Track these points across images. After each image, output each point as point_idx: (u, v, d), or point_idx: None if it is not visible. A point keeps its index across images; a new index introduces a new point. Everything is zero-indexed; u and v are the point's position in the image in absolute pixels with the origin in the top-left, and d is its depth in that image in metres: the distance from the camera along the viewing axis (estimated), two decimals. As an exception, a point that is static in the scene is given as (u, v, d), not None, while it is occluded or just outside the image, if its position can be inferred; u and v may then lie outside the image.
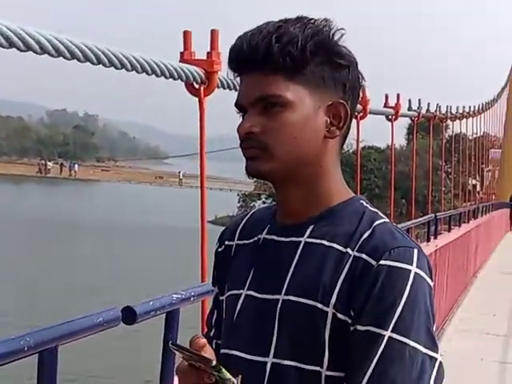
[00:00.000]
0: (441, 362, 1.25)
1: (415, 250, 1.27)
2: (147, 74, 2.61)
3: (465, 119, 19.61)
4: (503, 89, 43.44)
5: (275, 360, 1.29)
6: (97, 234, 40.10)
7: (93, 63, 2.59)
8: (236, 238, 1.43)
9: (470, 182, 33.75)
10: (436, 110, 12.88)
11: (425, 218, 8.97)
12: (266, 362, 1.29)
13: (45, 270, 25.61)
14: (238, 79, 1.33)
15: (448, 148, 22.66)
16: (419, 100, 10.82)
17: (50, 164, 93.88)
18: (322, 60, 1.29)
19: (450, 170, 32.76)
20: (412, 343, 1.22)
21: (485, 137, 38.74)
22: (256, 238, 1.38)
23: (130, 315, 1.82)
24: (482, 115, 30.57)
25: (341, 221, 1.31)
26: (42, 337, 1.53)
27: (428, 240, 8.68)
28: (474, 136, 32.31)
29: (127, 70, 2.56)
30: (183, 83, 2.87)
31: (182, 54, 2.93)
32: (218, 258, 1.46)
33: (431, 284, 1.27)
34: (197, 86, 2.94)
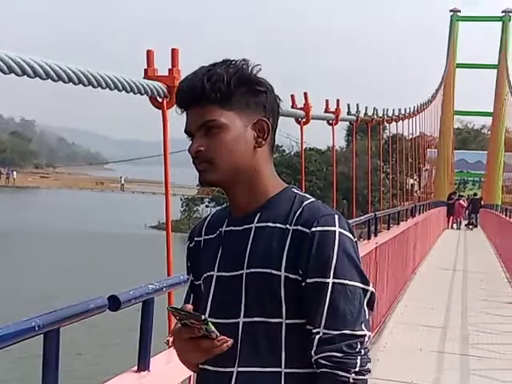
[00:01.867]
0: (372, 292, 1.68)
1: (336, 216, 1.69)
2: (111, 89, 2.90)
3: (401, 121, 20.22)
4: (437, 90, 44.57)
5: (245, 319, 1.68)
6: (34, 241, 39.60)
7: (54, 80, 2.84)
8: (203, 234, 1.83)
9: (408, 181, 34.59)
10: (373, 114, 13.46)
11: (365, 216, 9.31)
12: (239, 322, 1.69)
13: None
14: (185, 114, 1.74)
15: (386, 149, 23.20)
16: (357, 104, 11.38)
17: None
18: (245, 90, 1.70)
19: (388, 170, 33.52)
20: (350, 282, 1.65)
21: (421, 137, 39.67)
22: (218, 232, 1.79)
23: (115, 303, 2.12)
24: (418, 116, 31.41)
25: (279, 206, 1.72)
26: (48, 319, 1.81)
27: (369, 238, 8.99)
28: (411, 136, 33.12)
29: (94, 86, 2.85)
30: (147, 97, 3.17)
31: (145, 70, 3.25)
32: (190, 252, 1.86)
33: (352, 238, 1.69)
34: (160, 100, 3.26)
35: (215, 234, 1.79)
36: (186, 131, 1.73)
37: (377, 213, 10.05)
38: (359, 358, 1.62)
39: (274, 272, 1.66)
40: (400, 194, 25.82)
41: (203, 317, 1.61)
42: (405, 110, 20.84)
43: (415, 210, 16.69)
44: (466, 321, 9.95)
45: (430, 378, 6.92)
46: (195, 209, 70.06)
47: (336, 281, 1.64)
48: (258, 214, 1.72)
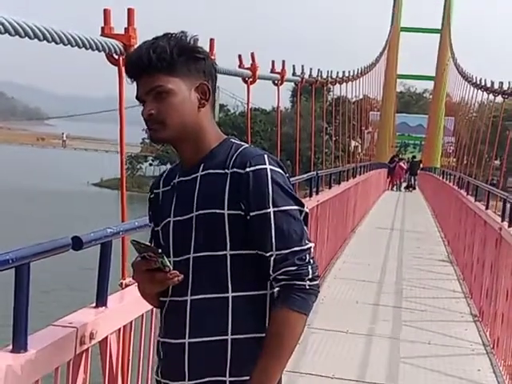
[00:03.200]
0: (306, 212, 1.97)
1: (265, 155, 1.96)
2: (72, 46, 3.05)
3: (345, 83, 20.53)
4: (381, 53, 45.02)
5: (195, 254, 1.96)
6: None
7: (11, 35, 2.97)
8: (160, 186, 2.11)
9: (351, 143, 35.09)
10: (318, 75, 13.70)
11: (307, 175, 9.52)
12: (189, 258, 1.96)
13: None
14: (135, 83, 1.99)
15: (330, 111, 23.49)
16: (302, 66, 11.59)
17: None
18: (186, 58, 1.94)
19: (332, 132, 33.93)
20: (287, 207, 1.93)
21: (365, 100, 40.17)
22: (172, 183, 2.06)
23: (77, 242, 2.33)
24: (362, 79, 31.83)
25: (219, 155, 1.99)
26: (20, 253, 2.01)
27: (310, 196, 9.25)
28: (355, 99, 33.56)
29: (56, 43, 3.00)
30: (104, 54, 3.33)
31: (102, 28, 3.41)
32: (151, 202, 2.14)
33: (282, 172, 1.96)
34: (116, 57, 3.43)
35: (170, 186, 2.06)
36: (137, 98, 1.97)
37: (319, 172, 10.33)
38: (310, 267, 1.91)
39: (217, 211, 1.93)
40: (343, 155, 26.25)
41: (159, 250, 1.88)
42: (349, 72, 21.19)
43: (356, 171, 17.08)
44: (401, 276, 10.40)
45: (365, 328, 7.31)
46: (138, 167, 69.62)
47: (276, 209, 1.91)
48: (202, 164, 1.99)
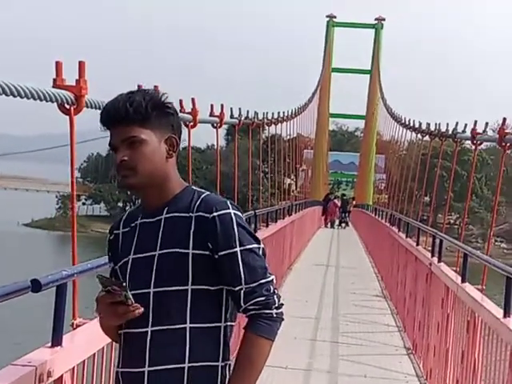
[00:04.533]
0: (263, 248, 2.20)
1: (228, 202, 2.19)
2: (28, 98, 3.20)
3: (280, 124, 20.97)
4: (314, 93, 46.01)
5: (155, 289, 2.14)
6: None
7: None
8: (120, 228, 2.28)
9: (285, 181, 35.59)
10: (254, 117, 14.06)
11: (245, 214, 9.74)
12: (149, 292, 2.14)
13: None
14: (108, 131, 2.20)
15: (265, 149, 23.88)
16: (239, 108, 11.95)
17: None
18: (158, 112, 2.17)
19: (267, 169, 34.34)
20: (251, 246, 2.17)
21: (299, 138, 40.87)
22: (133, 225, 2.24)
23: (36, 285, 2.46)
24: (296, 118, 32.45)
25: (182, 200, 2.20)
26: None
27: (248, 234, 9.45)
28: (289, 137, 34.12)
29: (6, 95, 3.14)
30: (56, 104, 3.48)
31: (54, 80, 3.56)
32: (111, 243, 2.31)
33: (241, 215, 2.19)
34: (68, 107, 3.59)
35: (130, 228, 2.24)
36: (110, 145, 2.18)
37: (256, 211, 10.56)
38: (275, 296, 2.18)
39: (182, 251, 2.13)
40: (278, 193, 26.62)
41: (124, 283, 2.06)
42: (283, 113, 21.65)
43: (292, 209, 17.40)
44: (337, 312, 10.67)
45: (304, 363, 7.50)
46: (71, 206, 68.53)
47: (242, 248, 2.14)
48: (166, 208, 2.18)
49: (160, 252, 2.15)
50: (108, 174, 63.81)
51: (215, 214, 2.14)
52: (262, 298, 2.14)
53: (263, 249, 2.21)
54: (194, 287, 2.13)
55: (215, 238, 2.13)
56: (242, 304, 2.15)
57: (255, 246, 2.17)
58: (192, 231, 2.14)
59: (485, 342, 4.98)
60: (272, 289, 2.17)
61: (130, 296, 2.07)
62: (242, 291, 2.14)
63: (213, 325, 2.14)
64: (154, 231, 2.17)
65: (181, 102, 6.99)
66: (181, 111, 6.97)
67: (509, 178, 61.03)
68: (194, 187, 2.25)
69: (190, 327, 2.12)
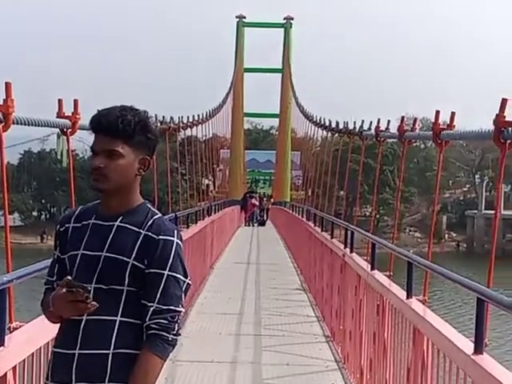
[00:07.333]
0: (189, 283, 2.49)
1: (175, 230, 2.51)
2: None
3: (195, 127, 21.21)
4: (227, 94, 46.31)
5: (96, 285, 2.45)
6: None
7: None
8: (71, 222, 2.56)
9: (203, 181, 35.76)
10: (170, 122, 14.34)
11: (167, 217, 9.98)
12: (91, 287, 2.43)
13: None
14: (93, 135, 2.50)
15: (181, 151, 23.98)
16: (155, 114, 12.18)
17: None
18: (142, 135, 2.47)
19: (184, 171, 34.41)
20: (178, 275, 2.46)
21: (214, 138, 41.08)
22: (86, 223, 2.51)
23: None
24: (211, 120, 32.67)
25: (137, 215, 2.50)
26: None
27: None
28: (205, 138, 34.30)
29: None
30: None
31: (-18, 101, 3.77)
32: (59, 234, 2.59)
33: (182, 245, 2.50)
34: (-4, 125, 3.80)
35: (82, 224, 2.51)
36: (92, 148, 2.47)
37: (177, 213, 10.83)
38: (176, 325, 2.45)
39: (124, 259, 2.44)
40: (196, 194, 26.76)
41: (88, 288, 2.37)
42: (198, 115, 21.91)
43: (211, 210, 17.70)
44: (260, 306, 11.07)
45: (229, 356, 7.83)
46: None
47: (170, 273, 2.44)
48: (121, 217, 2.48)
49: (106, 254, 2.44)
50: (20, 183, 62.39)
51: (161, 237, 2.45)
52: (165, 322, 2.41)
53: (188, 284, 2.47)
54: (128, 289, 2.45)
55: (152, 257, 2.44)
56: (147, 320, 2.42)
57: (181, 277, 2.45)
58: (137, 245, 2.44)
59: (393, 323, 5.44)
60: (177, 319, 2.44)
61: (90, 296, 2.37)
62: (152, 309, 2.42)
63: (138, 321, 2.45)
64: (105, 234, 2.46)
65: (60, 102, 6.13)
66: (59, 116, 6.18)
67: (420, 169, 63.21)
68: (149, 205, 2.54)
69: (120, 320, 2.43)
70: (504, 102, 4.31)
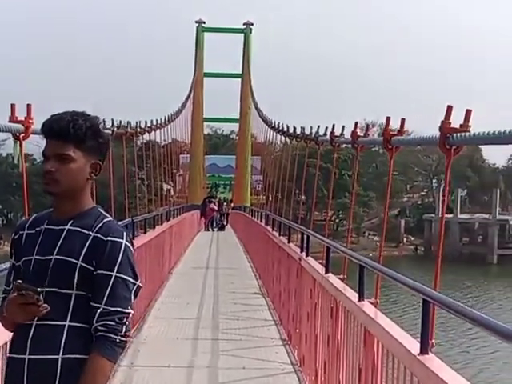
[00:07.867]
0: (139, 285, 2.52)
1: (124, 232, 2.55)
2: None
3: (154, 131, 21.18)
4: (187, 98, 46.29)
5: (47, 289, 2.47)
6: None
7: None
8: (25, 229, 2.61)
9: (163, 186, 35.65)
10: (127, 126, 14.31)
11: (123, 222, 9.90)
12: (43, 291, 2.45)
13: None
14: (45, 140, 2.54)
15: (140, 156, 23.92)
16: (112, 119, 12.19)
17: None
18: (93, 139, 2.51)
19: (144, 176, 34.30)
20: (126, 277, 2.49)
21: (174, 143, 40.99)
22: (39, 229, 2.56)
23: None
24: (170, 125, 32.61)
25: (87, 218, 2.54)
26: None
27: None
28: (165, 143, 34.22)
29: None
30: None
31: None
32: (15, 242, 2.64)
33: (132, 247, 2.53)
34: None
35: (35, 230, 2.56)
36: (43, 153, 2.49)
37: (134, 218, 10.80)
38: (124, 326, 2.47)
39: (73, 261, 2.47)
40: (156, 199, 26.69)
41: (39, 289, 2.39)
42: (157, 120, 21.88)
43: (170, 215, 17.67)
44: (217, 311, 11.09)
45: (186, 361, 7.85)
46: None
47: (118, 275, 2.46)
48: (72, 221, 2.51)
49: (56, 257, 2.47)
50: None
51: (110, 238, 2.47)
52: (112, 323, 2.42)
53: (139, 286, 2.50)
54: (77, 292, 2.47)
55: (100, 258, 2.46)
56: (94, 322, 2.44)
57: (130, 279, 2.47)
58: (86, 247, 2.47)
59: (346, 325, 5.53)
60: (125, 320, 2.45)
61: (41, 298, 2.39)
62: (99, 310, 2.44)
63: (87, 326, 2.47)
64: (56, 238, 2.49)
65: (12, 107, 6.11)
66: (12, 120, 6.15)
67: (379, 174, 63.88)
68: (100, 209, 2.57)
69: (69, 325, 2.45)
70: (449, 108, 4.44)
